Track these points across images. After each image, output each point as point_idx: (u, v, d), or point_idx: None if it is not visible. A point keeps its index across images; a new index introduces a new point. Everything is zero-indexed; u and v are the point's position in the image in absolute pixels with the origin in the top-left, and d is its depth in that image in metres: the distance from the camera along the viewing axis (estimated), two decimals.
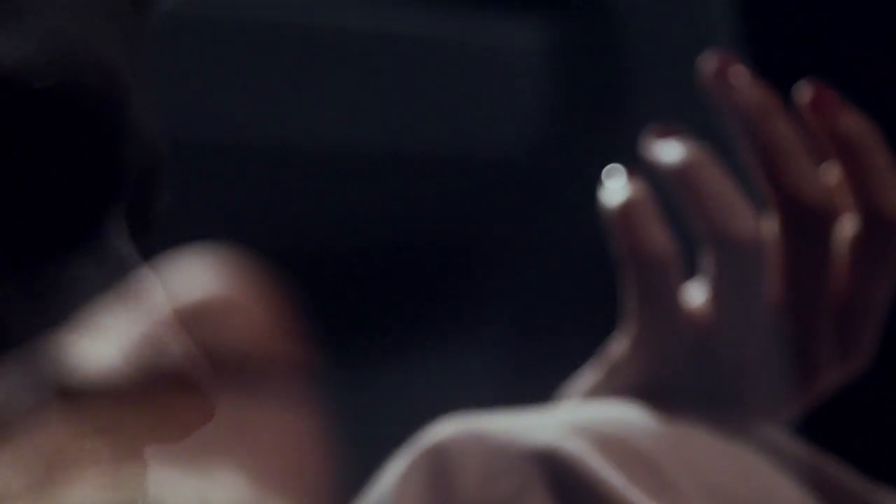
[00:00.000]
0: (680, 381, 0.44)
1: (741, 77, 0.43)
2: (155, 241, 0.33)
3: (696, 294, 0.45)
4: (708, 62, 0.44)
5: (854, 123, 0.43)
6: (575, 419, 0.41)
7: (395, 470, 0.41)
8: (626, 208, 0.43)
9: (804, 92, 0.44)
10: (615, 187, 0.44)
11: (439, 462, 0.40)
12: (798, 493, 0.40)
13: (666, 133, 0.44)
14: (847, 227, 0.43)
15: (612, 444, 0.39)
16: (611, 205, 0.44)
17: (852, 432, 1.35)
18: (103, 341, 0.26)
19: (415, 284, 1.16)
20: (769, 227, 0.43)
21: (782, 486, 0.40)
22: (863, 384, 0.54)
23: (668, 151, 0.44)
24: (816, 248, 0.42)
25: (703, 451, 0.40)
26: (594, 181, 0.93)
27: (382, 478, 0.42)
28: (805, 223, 0.42)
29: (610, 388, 0.46)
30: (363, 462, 0.77)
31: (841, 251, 0.43)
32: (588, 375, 0.47)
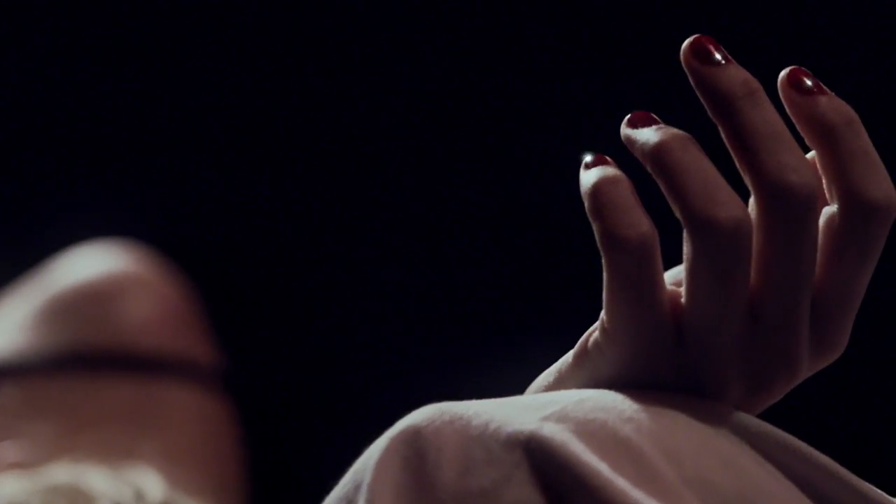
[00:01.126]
0: (658, 369, 0.44)
1: (720, 58, 0.43)
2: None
3: (676, 280, 0.45)
4: (686, 44, 0.43)
5: (834, 107, 0.43)
6: (555, 406, 0.40)
7: (370, 455, 0.40)
8: (601, 192, 0.43)
9: (783, 75, 0.44)
10: (590, 172, 0.44)
11: (416, 447, 0.39)
12: (778, 481, 0.40)
13: (643, 118, 0.44)
14: (826, 213, 0.43)
15: (595, 432, 0.39)
16: (585, 189, 0.43)
17: (827, 421, 1.36)
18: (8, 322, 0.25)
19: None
20: (750, 212, 0.43)
21: (762, 475, 0.40)
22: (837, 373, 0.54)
23: (645, 135, 0.43)
24: (798, 234, 0.42)
25: (684, 439, 0.40)
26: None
27: (357, 464, 0.41)
28: (787, 209, 0.41)
29: (586, 376, 0.46)
30: None
31: (820, 238, 0.43)
32: (564, 363, 0.47)
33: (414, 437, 0.40)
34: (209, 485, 1.04)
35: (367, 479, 0.39)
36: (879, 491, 0.42)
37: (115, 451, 0.99)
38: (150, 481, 0.94)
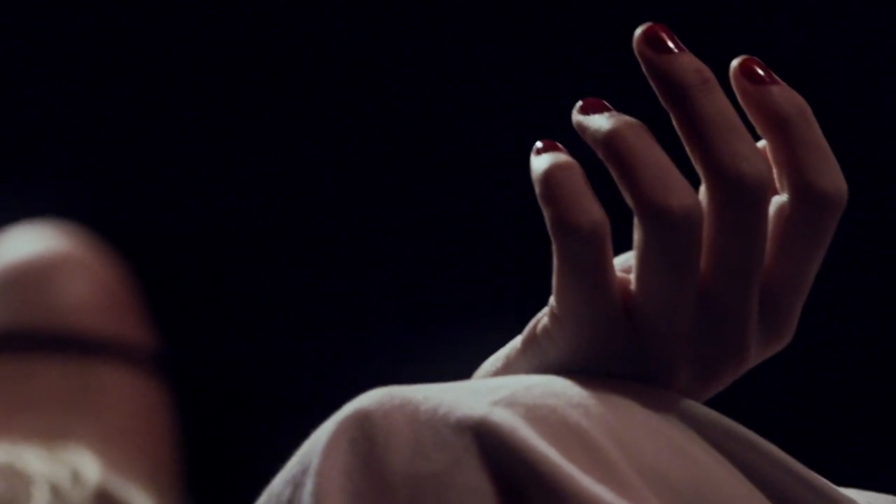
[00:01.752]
0: (607, 356, 0.44)
1: (672, 47, 0.43)
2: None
3: (625, 267, 0.45)
4: (639, 32, 0.43)
5: (786, 97, 0.43)
6: (505, 391, 0.40)
7: (317, 439, 0.40)
8: (551, 178, 0.43)
9: (735, 64, 0.44)
10: (541, 157, 0.44)
11: (365, 431, 0.39)
12: (725, 469, 0.41)
13: (595, 104, 0.44)
14: (777, 202, 0.44)
15: (544, 417, 0.39)
16: (536, 175, 0.43)
17: (773, 409, 1.37)
18: None
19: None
20: (702, 201, 0.43)
21: (710, 462, 0.41)
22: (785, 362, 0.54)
23: (597, 122, 0.43)
24: (749, 223, 0.42)
25: (633, 426, 0.40)
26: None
27: (304, 447, 0.41)
28: (738, 198, 0.41)
29: (535, 361, 0.46)
30: None
31: (770, 227, 0.43)
32: (513, 349, 0.47)
33: (362, 421, 0.39)
34: (145, 467, 1.03)
35: (315, 462, 0.39)
36: (823, 479, 0.43)
37: (50, 433, 0.98)
38: (86, 462, 0.93)
